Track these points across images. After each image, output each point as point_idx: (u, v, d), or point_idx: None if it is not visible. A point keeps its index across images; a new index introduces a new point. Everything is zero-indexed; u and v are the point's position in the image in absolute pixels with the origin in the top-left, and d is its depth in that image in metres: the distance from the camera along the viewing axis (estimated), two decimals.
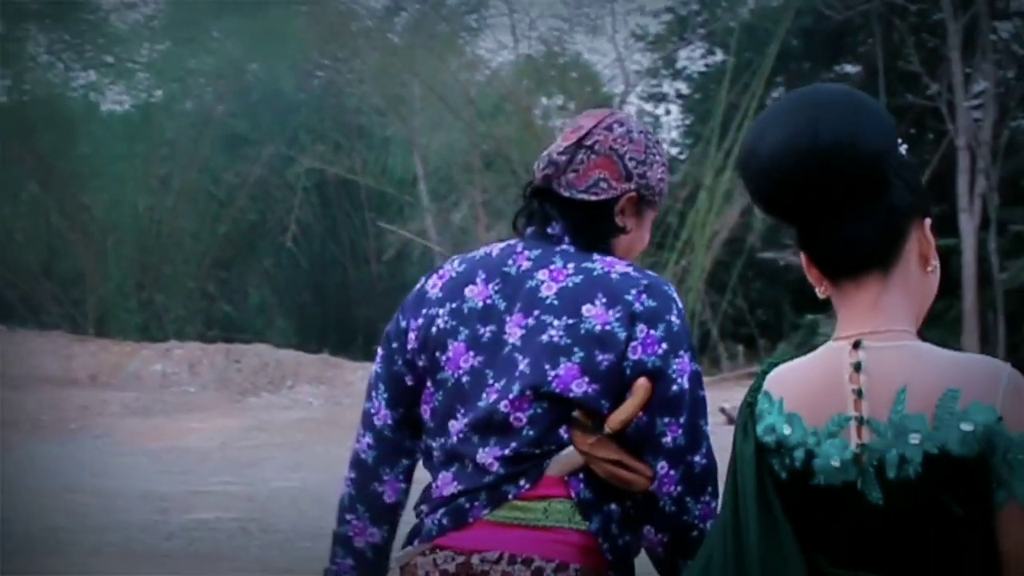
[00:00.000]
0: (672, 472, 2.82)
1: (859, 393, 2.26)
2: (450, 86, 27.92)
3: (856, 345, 2.29)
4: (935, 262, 2.39)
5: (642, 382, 2.79)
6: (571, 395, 2.79)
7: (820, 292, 2.41)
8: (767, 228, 27.22)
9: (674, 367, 2.82)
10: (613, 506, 2.84)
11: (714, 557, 2.37)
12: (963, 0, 26.17)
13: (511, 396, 2.81)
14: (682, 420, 2.82)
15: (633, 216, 2.99)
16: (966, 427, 2.17)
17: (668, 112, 32.26)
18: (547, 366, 2.80)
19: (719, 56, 29.90)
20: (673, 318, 2.84)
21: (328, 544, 3.13)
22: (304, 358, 25.96)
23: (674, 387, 2.81)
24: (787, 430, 2.32)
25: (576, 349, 2.80)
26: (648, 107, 32.22)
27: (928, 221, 2.37)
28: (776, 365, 2.43)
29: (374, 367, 3.08)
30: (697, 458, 2.84)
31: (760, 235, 27.05)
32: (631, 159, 2.94)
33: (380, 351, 3.07)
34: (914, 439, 2.20)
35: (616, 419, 2.79)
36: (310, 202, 30.90)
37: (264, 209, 31.52)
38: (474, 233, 28.34)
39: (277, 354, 26.04)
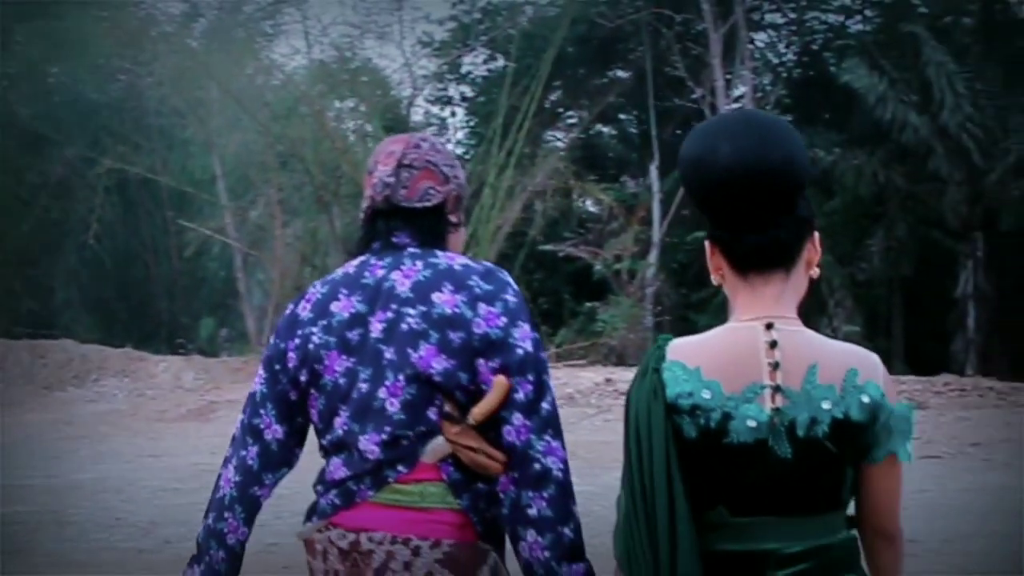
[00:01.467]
0: (527, 422, 3.06)
1: (775, 365, 2.64)
2: (246, 89, 27.72)
3: (769, 326, 2.67)
4: (817, 268, 2.80)
5: (500, 379, 3.04)
6: (432, 371, 3.05)
7: (715, 280, 2.80)
8: (547, 222, 27.72)
9: (515, 335, 3.09)
10: (480, 485, 3.10)
11: (626, 507, 2.68)
12: (723, 12, 26.94)
13: (386, 383, 3.08)
14: (530, 377, 3.08)
15: (457, 212, 3.33)
16: (864, 399, 2.63)
17: (454, 114, 32.56)
18: (409, 349, 3.06)
19: (500, 62, 30.18)
20: (508, 296, 3.13)
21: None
22: (108, 352, 25.62)
23: (519, 351, 3.08)
24: (706, 394, 2.63)
25: (432, 332, 3.07)
26: (435, 110, 32.48)
27: (817, 235, 2.78)
28: (669, 340, 2.75)
29: (256, 387, 3.31)
30: (544, 405, 3.09)
31: (541, 229, 27.51)
32: (444, 166, 3.29)
33: (262, 373, 3.30)
34: (826, 405, 2.61)
35: (479, 411, 3.05)
36: (112, 201, 30.33)
37: (67, 208, 30.92)
38: (271, 230, 28.26)
39: (82, 349, 25.66)
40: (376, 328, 3.12)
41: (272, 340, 3.31)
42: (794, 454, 2.61)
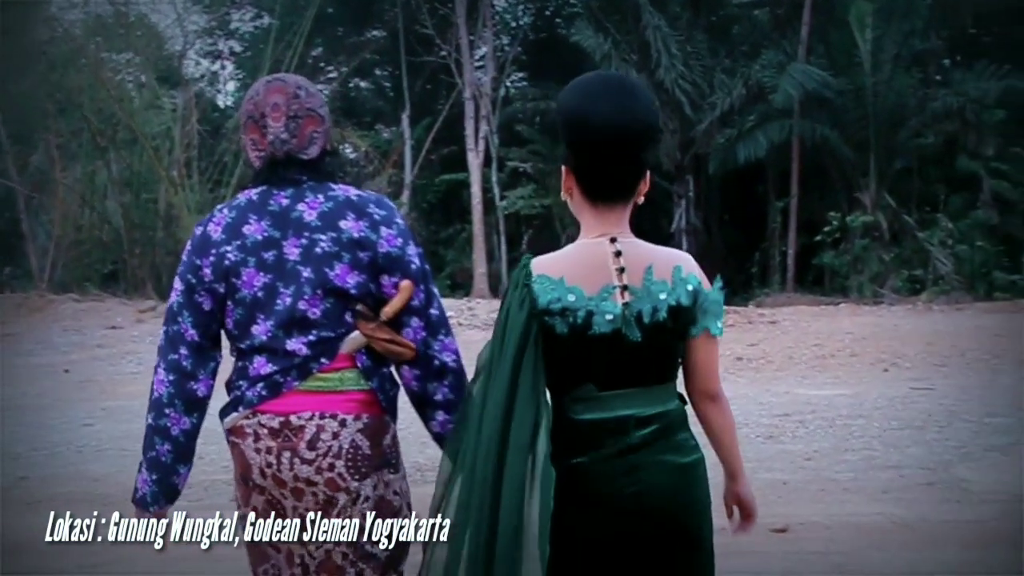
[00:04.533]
0: (419, 323, 3.40)
1: (622, 270, 3.01)
2: (25, 40, 26.54)
3: (613, 240, 3.03)
4: (643, 196, 3.13)
5: (406, 283, 3.35)
6: (348, 286, 3.31)
7: (563, 196, 3.13)
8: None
9: (409, 253, 3.39)
10: (385, 369, 3.41)
11: (475, 394, 3.05)
12: None
13: (306, 297, 3.29)
14: (422, 287, 3.40)
15: (331, 142, 3.52)
16: (689, 287, 3.04)
17: (224, 67, 32.31)
18: (326, 270, 3.30)
19: (266, 19, 30.13)
20: (399, 220, 3.42)
21: None
22: None
23: (412, 266, 3.39)
24: (572, 298, 2.99)
25: (343, 253, 3.31)
26: (206, 63, 32.08)
27: (648, 172, 3.11)
28: (531, 259, 3.09)
29: (173, 299, 3.41)
30: (433, 311, 3.43)
31: None
32: (320, 108, 3.45)
33: (178, 287, 3.40)
34: (662, 296, 3.01)
35: (390, 309, 3.35)
36: None
37: None
38: (51, 173, 27.29)
39: None
40: (292, 252, 3.31)
41: (185, 258, 3.42)
42: (643, 337, 2.99)
